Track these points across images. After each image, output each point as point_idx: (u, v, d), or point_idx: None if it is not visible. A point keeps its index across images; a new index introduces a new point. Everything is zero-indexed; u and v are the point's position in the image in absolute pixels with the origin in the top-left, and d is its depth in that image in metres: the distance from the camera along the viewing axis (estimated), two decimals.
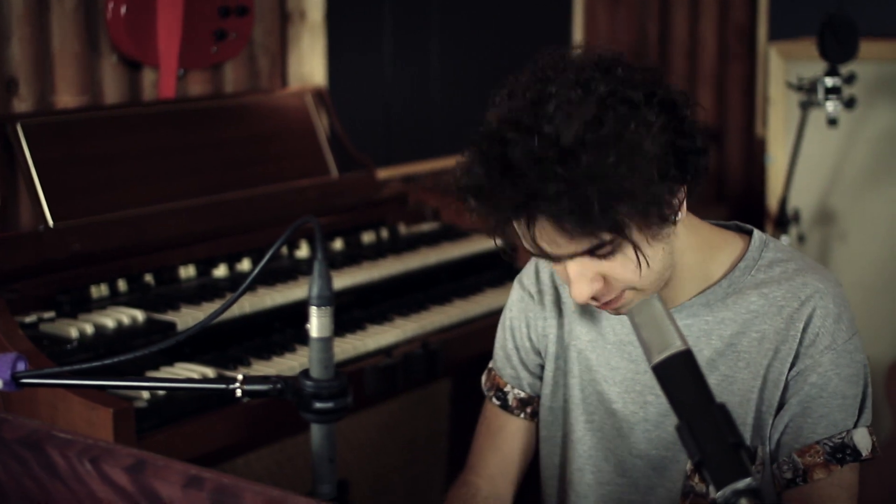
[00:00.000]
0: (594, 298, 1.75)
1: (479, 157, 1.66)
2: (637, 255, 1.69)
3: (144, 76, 3.22)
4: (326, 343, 1.36)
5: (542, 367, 2.04)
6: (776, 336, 1.83)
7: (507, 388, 2.07)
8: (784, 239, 4.06)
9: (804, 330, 1.81)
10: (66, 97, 3.03)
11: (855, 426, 1.82)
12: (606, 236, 1.65)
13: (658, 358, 1.32)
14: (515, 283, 2.08)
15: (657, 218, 1.67)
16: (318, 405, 1.36)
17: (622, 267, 1.71)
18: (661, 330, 1.34)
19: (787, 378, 1.83)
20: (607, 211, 1.60)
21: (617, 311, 1.80)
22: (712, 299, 1.86)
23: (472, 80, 4.18)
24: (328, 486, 1.39)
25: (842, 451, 1.81)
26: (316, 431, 1.38)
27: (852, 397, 1.82)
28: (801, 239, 4.22)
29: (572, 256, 1.69)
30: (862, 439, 1.83)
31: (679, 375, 1.31)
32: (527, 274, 2.06)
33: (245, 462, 2.81)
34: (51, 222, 2.78)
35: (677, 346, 1.32)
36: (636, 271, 1.71)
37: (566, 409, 2.01)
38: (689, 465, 1.88)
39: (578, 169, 1.58)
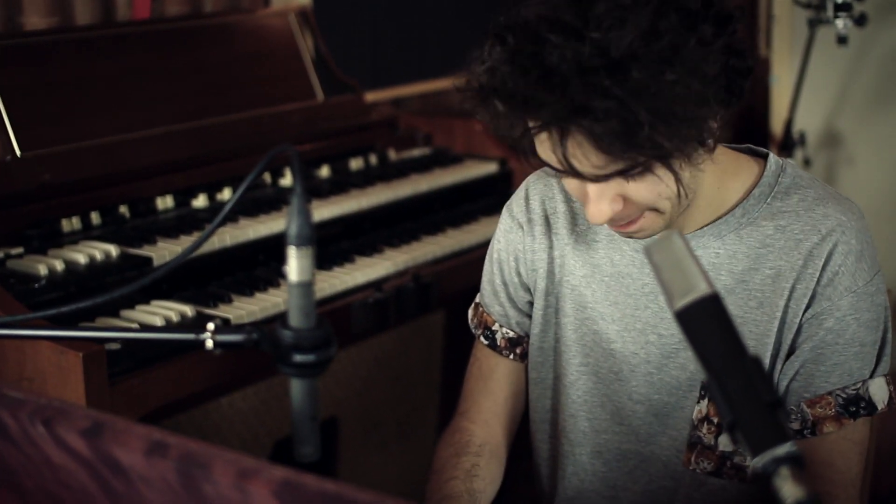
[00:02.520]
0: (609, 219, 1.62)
1: (508, 56, 1.47)
2: (677, 183, 1.57)
3: None
4: (307, 288, 1.22)
5: (531, 304, 1.91)
6: (792, 273, 1.69)
7: (496, 327, 1.94)
8: None
9: (823, 268, 1.67)
10: (35, 18, 2.91)
11: (871, 376, 1.70)
12: (643, 158, 1.50)
13: (681, 303, 1.18)
14: (504, 212, 1.93)
15: (696, 142, 1.54)
16: (299, 358, 1.22)
17: (646, 189, 1.57)
18: (683, 271, 1.19)
19: (801, 320, 1.69)
20: (656, 133, 1.45)
21: (629, 235, 1.68)
22: (724, 230, 1.72)
23: None
24: (310, 447, 1.25)
25: (855, 405, 1.69)
26: (296, 387, 1.24)
27: (870, 344, 1.70)
28: (806, 163, 4.15)
29: (599, 178, 1.54)
30: (878, 390, 1.71)
31: (705, 323, 1.16)
32: (516, 201, 1.91)
33: (229, 402, 2.71)
34: (18, 152, 2.64)
35: (702, 290, 1.17)
36: (660, 194, 1.58)
37: (557, 350, 1.88)
38: (695, 413, 1.77)
39: (628, 84, 1.41)
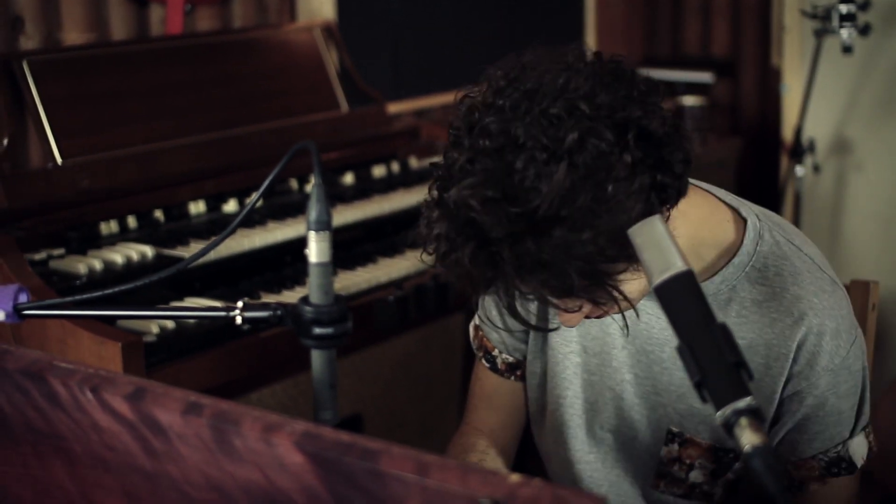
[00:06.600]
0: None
1: (448, 225, 1.51)
2: (618, 302, 1.58)
3: (152, 12, 3.21)
4: (325, 268, 1.35)
5: (527, 332, 1.96)
6: (766, 349, 1.74)
7: (495, 353, 1.99)
8: (799, 170, 4.04)
9: (798, 350, 1.72)
10: (73, 34, 3.02)
11: (851, 436, 1.77)
12: (591, 293, 1.56)
13: (659, 279, 1.30)
14: None
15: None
16: (318, 331, 1.35)
17: (609, 296, 1.59)
18: (662, 251, 1.32)
19: (780, 397, 1.75)
20: (589, 278, 1.51)
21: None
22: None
23: (483, 11, 4.14)
24: (330, 413, 1.39)
25: (837, 465, 1.77)
26: (316, 358, 1.37)
27: (849, 409, 1.76)
28: (816, 169, 4.20)
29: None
30: (858, 448, 1.77)
31: (680, 296, 1.29)
32: None
33: (259, 397, 2.81)
34: (59, 160, 2.78)
35: (678, 267, 1.30)
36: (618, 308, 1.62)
37: (545, 377, 1.94)
38: (664, 453, 1.83)
39: (552, 243, 1.46)
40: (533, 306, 1.87)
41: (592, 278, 1.50)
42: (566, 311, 1.61)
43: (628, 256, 1.47)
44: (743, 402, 1.19)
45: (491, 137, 1.49)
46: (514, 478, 0.99)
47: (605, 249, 1.47)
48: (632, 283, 1.58)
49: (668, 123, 1.54)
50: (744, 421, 1.18)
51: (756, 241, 1.74)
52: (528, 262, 1.48)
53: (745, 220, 1.76)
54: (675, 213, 1.61)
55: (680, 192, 1.58)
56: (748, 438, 1.17)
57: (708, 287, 1.73)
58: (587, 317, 1.67)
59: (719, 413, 1.20)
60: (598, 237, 1.46)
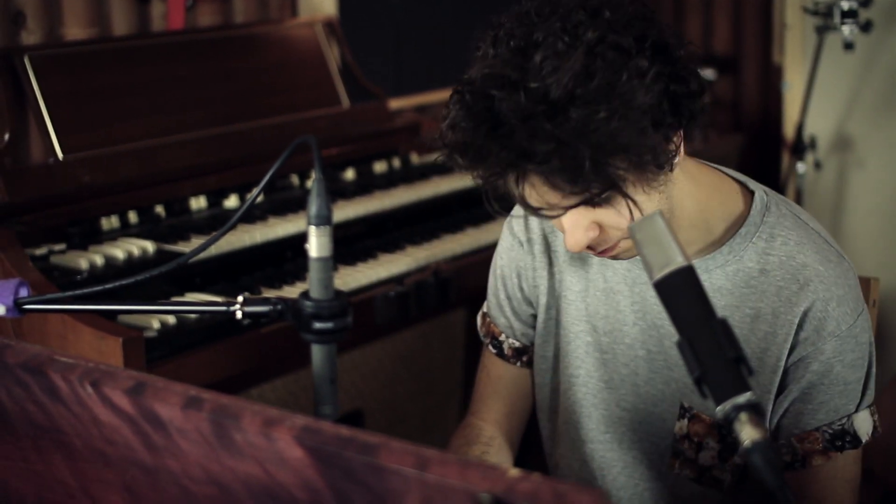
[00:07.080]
0: (589, 247, 1.69)
1: (465, 112, 1.56)
2: (630, 208, 1.62)
3: (153, 7, 3.21)
4: (326, 263, 1.35)
5: (535, 316, 1.98)
6: (773, 318, 1.76)
7: (502, 337, 2.02)
8: (800, 167, 4.03)
9: (804, 316, 1.73)
10: (75, 29, 3.02)
11: (856, 410, 1.77)
12: (595, 189, 1.58)
13: (659, 275, 1.31)
14: (505, 228, 2.00)
15: (653, 167, 1.60)
16: (318, 325, 1.36)
17: (618, 215, 1.63)
18: (662, 246, 1.32)
19: (786, 364, 1.76)
20: (600, 167, 1.53)
21: (614, 258, 1.75)
22: (712, 265, 1.78)
23: (484, 7, 4.13)
24: (330, 407, 1.39)
25: (841, 439, 1.76)
26: (316, 352, 1.38)
27: (855, 381, 1.76)
28: (817, 166, 4.20)
29: (565, 210, 1.62)
30: (863, 423, 1.77)
31: (680, 291, 1.29)
32: (516, 220, 1.97)
33: (259, 392, 2.82)
34: (60, 155, 2.77)
35: (678, 262, 1.30)
36: (630, 219, 1.63)
37: (557, 359, 1.96)
38: (677, 429, 1.85)
39: (568, 125, 1.49)
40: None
41: (601, 169, 1.54)
42: (572, 207, 1.61)
43: (639, 151, 1.53)
44: (743, 398, 1.20)
45: (514, 39, 1.56)
46: (514, 472, 0.99)
47: (618, 135, 1.51)
48: (639, 196, 1.62)
49: (682, 46, 1.60)
50: (743, 416, 1.19)
51: (763, 212, 1.78)
52: (542, 139, 1.51)
53: (752, 193, 1.81)
54: (686, 178, 1.69)
55: (693, 115, 1.62)
56: (748, 434, 1.18)
57: (716, 258, 1.77)
58: (591, 248, 1.69)
59: (719, 408, 1.21)
60: (611, 118, 1.50)
